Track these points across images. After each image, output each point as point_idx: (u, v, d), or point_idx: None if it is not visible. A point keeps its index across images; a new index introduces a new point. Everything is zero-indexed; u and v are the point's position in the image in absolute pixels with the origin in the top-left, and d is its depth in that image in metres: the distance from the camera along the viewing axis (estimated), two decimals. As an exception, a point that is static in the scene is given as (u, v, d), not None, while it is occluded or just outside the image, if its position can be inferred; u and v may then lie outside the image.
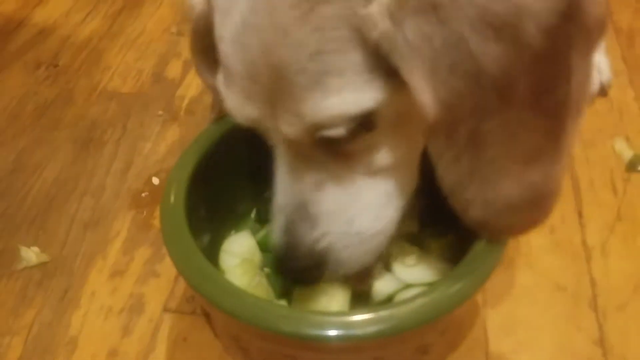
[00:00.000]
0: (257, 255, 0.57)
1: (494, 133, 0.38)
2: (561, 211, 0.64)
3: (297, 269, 0.46)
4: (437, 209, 0.57)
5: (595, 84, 0.76)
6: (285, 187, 0.45)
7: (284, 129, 0.40)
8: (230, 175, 0.57)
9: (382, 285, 0.51)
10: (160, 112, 0.79)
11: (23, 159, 0.73)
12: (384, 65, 0.37)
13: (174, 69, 0.86)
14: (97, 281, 0.59)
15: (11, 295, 0.59)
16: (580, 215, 0.64)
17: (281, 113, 0.39)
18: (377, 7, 0.35)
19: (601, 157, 0.70)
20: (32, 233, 0.64)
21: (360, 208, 0.45)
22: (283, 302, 0.51)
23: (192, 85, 0.83)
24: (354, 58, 0.37)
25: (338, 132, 0.39)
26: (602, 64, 0.77)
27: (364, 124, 0.40)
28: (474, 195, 0.41)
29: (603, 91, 0.77)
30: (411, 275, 0.51)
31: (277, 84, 0.38)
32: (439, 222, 0.56)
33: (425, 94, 0.36)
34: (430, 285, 0.50)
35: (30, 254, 0.61)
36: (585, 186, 0.67)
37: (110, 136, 0.76)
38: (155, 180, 0.70)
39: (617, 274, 0.59)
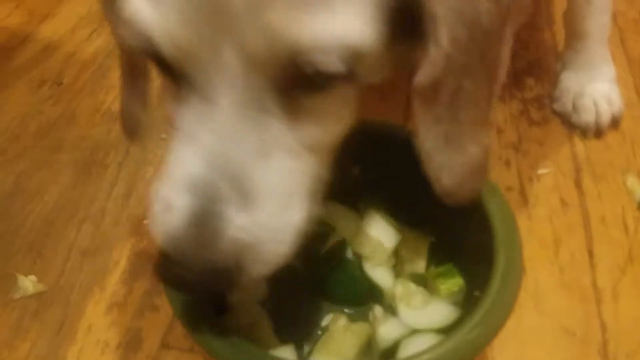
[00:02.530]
0: (260, 289, 0.56)
1: (468, 95, 0.39)
2: (571, 249, 0.63)
3: (210, 273, 0.35)
4: (445, 249, 0.56)
5: (605, 116, 0.74)
6: (211, 150, 0.35)
7: (253, 46, 0.32)
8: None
9: (387, 331, 0.50)
10: (164, 136, 0.78)
11: (23, 182, 0.72)
12: (388, 18, 0.35)
13: (178, 90, 0.85)
14: (94, 314, 0.58)
15: (6, 325, 0.58)
16: (590, 254, 0.62)
17: (250, 30, 0.32)
18: None
19: (613, 193, 0.68)
20: (30, 260, 0.63)
21: (292, 191, 0.38)
22: (287, 348, 0.50)
23: (197, 107, 0.82)
24: None
25: (321, 61, 0.33)
26: (613, 94, 0.76)
27: (345, 68, 0.34)
28: (448, 159, 0.41)
29: (615, 123, 0.75)
30: (418, 320, 0.50)
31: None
32: (446, 263, 0.55)
33: (442, 36, 0.36)
34: (437, 332, 0.49)
35: (27, 283, 0.60)
36: (596, 223, 0.65)
37: (112, 159, 0.75)
38: (157, 207, 0.69)
39: (628, 319, 0.57)
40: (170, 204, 0.35)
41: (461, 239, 0.55)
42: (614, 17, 0.92)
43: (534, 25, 0.93)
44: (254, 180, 0.36)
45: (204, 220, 0.35)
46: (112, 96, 0.84)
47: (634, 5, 0.97)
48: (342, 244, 0.57)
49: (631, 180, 0.68)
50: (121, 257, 0.63)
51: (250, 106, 0.35)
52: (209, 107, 0.35)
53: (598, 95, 0.74)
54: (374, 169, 0.58)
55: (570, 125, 0.76)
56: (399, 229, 0.57)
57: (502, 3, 0.37)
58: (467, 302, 0.50)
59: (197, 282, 0.36)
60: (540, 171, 0.71)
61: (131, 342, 0.55)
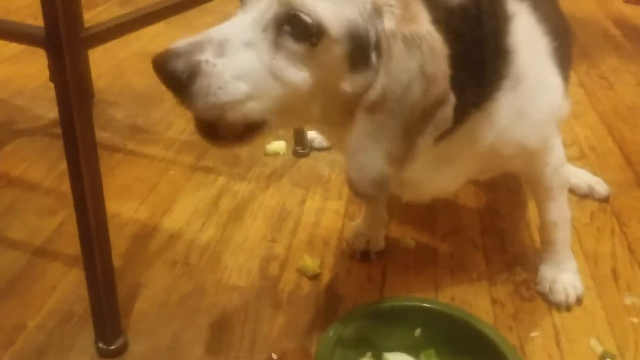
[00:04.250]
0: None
1: (389, 133, 0.66)
2: (558, 389, 0.95)
3: (173, 65, 0.62)
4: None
5: (572, 297, 1.09)
6: (232, 25, 0.65)
7: None
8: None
9: None
10: (269, 302, 1.10)
11: (177, 338, 1.02)
12: (348, 36, 0.65)
13: (274, 269, 1.19)
14: None
15: None
16: (571, 392, 0.94)
17: None
18: (387, 21, 0.64)
19: (582, 350, 1.01)
20: (198, 393, 0.92)
21: (247, 76, 0.64)
22: None
23: (290, 281, 1.15)
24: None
25: (305, 17, 0.62)
26: (576, 281, 1.12)
27: (313, 32, 0.63)
28: (360, 158, 0.68)
29: (579, 301, 1.10)
30: None
31: None
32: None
33: (382, 77, 0.64)
34: None
35: (201, 409, 0.89)
36: (573, 371, 0.98)
37: (237, 321, 1.06)
38: (274, 356, 0.99)
39: None
40: (187, 38, 0.65)
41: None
42: (571, 221, 1.32)
43: (517, 228, 1.32)
44: (232, 52, 0.63)
45: (193, 46, 0.63)
46: (227, 273, 1.17)
47: (585, 212, 1.38)
48: (412, 383, 0.89)
49: (593, 342, 1.02)
50: (259, 391, 0.93)
51: (259, 24, 0.65)
52: (241, 15, 0.66)
53: (566, 283, 1.10)
54: (430, 330, 0.92)
55: (550, 302, 1.11)
56: (450, 372, 0.89)
57: (430, 97, 0.65)
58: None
59: (163, 70, 0.63)
60: (532, 334, 1.04)
61: None
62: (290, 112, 0.70)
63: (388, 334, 0.93)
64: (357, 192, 0.70)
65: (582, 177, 1.42)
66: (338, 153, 1.56)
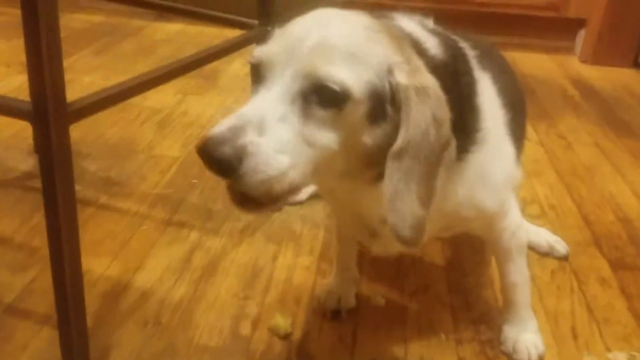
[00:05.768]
0: None
1: (416, 175, 0.72)
2: None
3: (221, 152, 0.65)
4: None
5: (534, 356, 1.14)
6: (262, 103, 0.69)
7: (302, 71, 0.69)
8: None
9: None
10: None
11: (149, 399, 1.03)
12: (370, 95, 0.71)
13: (245, 328, 1.20)
14: None
15: None
16: None
17: (305, 64, 0.69)
18: (400, 76, 0.71)
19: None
20: None
21: (287, 148, 0.68)
22: None
23: (262, 340, 1.17)
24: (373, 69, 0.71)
25: (333, 86, 0.68)
26: (537, 341, 1.16)
27: (340, 98, 0.69)
28: (397, 205, 0.72)
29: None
30: None
31: (317, 54, 0.69)
32: None
33: (404, 126, 0.71)
34: None
35: None
36: None
37: (208, 382, 1.07)
38: (246, 419, 1.00)
39: None
40: (223, 122, 0.68)
41: None
42: (532, 279, 1.37)
43: (481, 286, 1.37)
44: (270, 129, 0.67)
45: (235, 130, 0.66)
46: (198, 333, 1.18)
47: (546, 270, 1.44)
48: None
49: (554, 400, 1.06)
50: None
51: (287, 98, 0.69)
52: (266, 92, 0.70)
53: (528, 342, 1.15)
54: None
55: (513, 361, 1.15)
56: None
57: (441, 140, 0.73)
58: None
59: (213, 158, 0.66)
60: (499, 393, 1.08)
61: None
62: (320, 171, 0.74)
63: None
64: (401, 238, 0.74)
65: (542, 235, 1.49)
66: (311, 208, 1.60)
